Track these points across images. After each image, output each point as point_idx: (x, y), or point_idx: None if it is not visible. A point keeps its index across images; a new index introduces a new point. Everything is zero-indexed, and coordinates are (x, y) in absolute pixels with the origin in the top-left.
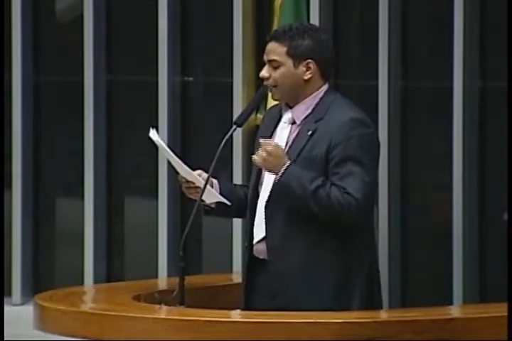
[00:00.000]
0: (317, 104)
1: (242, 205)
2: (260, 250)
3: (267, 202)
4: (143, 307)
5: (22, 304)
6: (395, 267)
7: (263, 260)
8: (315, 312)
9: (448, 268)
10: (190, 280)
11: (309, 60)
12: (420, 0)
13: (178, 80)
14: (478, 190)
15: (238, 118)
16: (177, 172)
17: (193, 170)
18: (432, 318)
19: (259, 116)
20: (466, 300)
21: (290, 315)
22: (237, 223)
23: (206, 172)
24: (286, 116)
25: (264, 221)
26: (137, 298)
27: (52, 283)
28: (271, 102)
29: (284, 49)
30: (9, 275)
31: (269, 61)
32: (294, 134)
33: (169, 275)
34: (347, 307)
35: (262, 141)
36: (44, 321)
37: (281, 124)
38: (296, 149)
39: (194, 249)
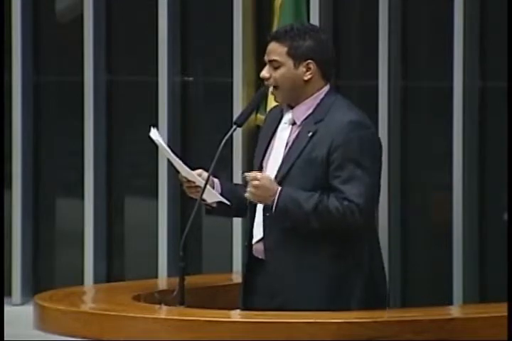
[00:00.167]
0: (318, 105)
1: (242, 205)
2: (259, 250)
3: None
4: (143, 307)
5: (22, 304)
6: (395, 267)
7: (262, 260)
8: (315, 312)
9: (448, 268)
10: (190, 280)
11: (309, 61)
12: (420, 0)
13: (178, 80)
14: (478, 190)
15: (238, 118)
16: (178, 172)
17: (194, 169)
18: (431, 318)
19: (259, 116)
20: (466, 300)
21: (290, 315)
22: (237, 223)
23: (207, 171)
24: (287, 117)
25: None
26: (137, 298)
27: (52, 283)
28: (271, 102)
29: (285, 49)
30: (9, 275)
31: (270, 61)
32: (294, 135)
33: (169, 275)
34: (345, 309)
35: (247, 176)
36: (44, 321)
37: (281, 125)
38: (296, 151)
39: (194, 249)
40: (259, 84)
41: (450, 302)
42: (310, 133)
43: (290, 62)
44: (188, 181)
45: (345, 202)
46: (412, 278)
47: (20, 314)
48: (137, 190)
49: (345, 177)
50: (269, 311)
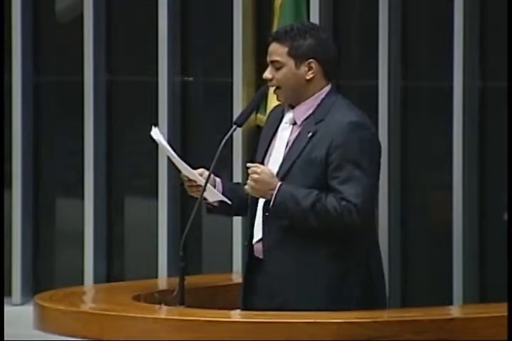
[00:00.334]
0: (318, 105)
1: (243, 204)
2: (259, 250)
3: (265, 202)
4: (143, 307)
5: (22, 304)
6: (395, 267)
7: (262, 260)
8: (315, 312)
9: (448, 268)
10: (190, 280)
11: (311, 60)
12: (420, 0)
13: (178, 80)
14: (478, 190)
15: (238, 118)
16: (179, 171)
17: (194, 169)
18: (431, 318)
19: (259, 116)
20: (466, 300)
21: (290, 315)
22: (237, 223)
23: (208, 170)
24: (288, 117)
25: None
26: (137, 298)
27: (52, 283)
28: (271, 102)
29: (286, 49)
30: (9, 275)
31: (272, 62)
32: (295, 135)
33: (169, 275)
34: (343, 309)
35: (248, 168)
36: (44, 321)
37: (282, 125)
38: (296, 151)
39: (194, 249)
40: (259, 84)
41: (450, 302)
42: (310, 134)
43: (292, 62)
44: (189, 180)
45: (343, 202)
46: (412, 278)
47: (20, 314)
48: (137, 190)
49: (344, 177)
50: (269, 311)
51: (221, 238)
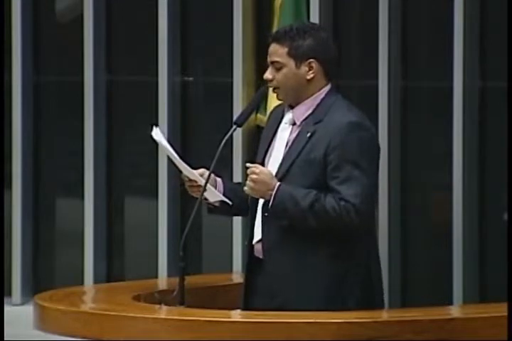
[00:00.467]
0: (318, 106)
1: (244, 204)
2: (259, 250)
3: (265, 202)
4: (143, 307)
5: (22, 304)
6: (395, 267)
7: (262, 260)
8: (315, 312)
9: (448, 268)
10: (190, 280)
11: (311, 60)
12: (420, 0)
13: (178, 80)
14: (478, 190)
15: (238, 118)
16: (180, 171)
17: (194, 169)
18: (432, 318)
19: (259, 116)
20: (466, 300)
21: (290, 315)
22: (237, 223)
23: (209, 170)
24: (287, 117)
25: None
26: (137, 298)
27: (52, 283)
28: (271, 102)
29: (286, 50)
30: (9, 275)
31: (272, 63)
32: (294, 135)
33: (169, 275)
34: (342, 309)
35: (247, 169)
36: (44, 321)
37: (282, 125)
38: (295, 151)
39: (194, 249)
40: (259, 84)
41: (450, 302)
42: (309, 134)
43: (292, 63)
44: (190, 180)
45: (342, 202)
46: (412, 278)
47: (20, 314)
48: (137, 190)
49: (343, 177)
50: (269, 311)
51: (221, 238)
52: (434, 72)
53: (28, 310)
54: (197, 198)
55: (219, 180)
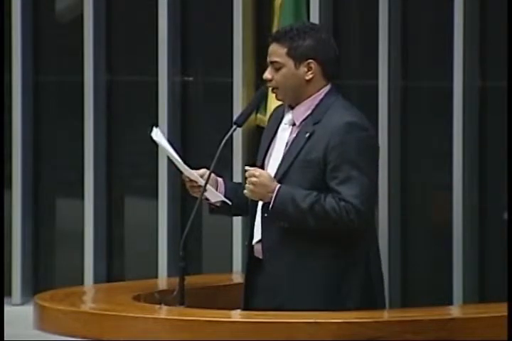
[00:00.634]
0: (317, 106)
1: (245, 204)
2: (259, 250)
3: (264, 203)
4: (143, 307)
5: (22, 304)
6: (394, 267)
7: (262, 260)
8: (315, 312)
9: (448, 268)
10: (190, 280)
11: (310, 60)
12: (420, 0)
13: (178, 80)
14: (478, 190)
15: (238, 118)
16: (180, 172)
17: (196, 169)
18: (432, 318)
19: (259, 116)
20: (466, 300)
21: (290, 315)
22: (237, 223)
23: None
24: (287, 118)
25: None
26: (137, 298)
27: (52, 283)
28: (271, 102)
29: (285, 50)
30: (9, 275)
31: (271, 63)
32: (293, 136)
33: (169, 275)
34: (342, 309)
35: (246, 171)
36: (44, 321)
37: (282, 125)
38: (294, 151)
39: (194, 249)
40: (259, 84)
41: (450, 303)
42: (307, 134)
43: (291, 63)
44: (191, 181)
45: (342, 203)
46: (412, 278)
47: (20, 314)
48: (137, 190)
49: (342, 178)
50: (269, 311)
51: (221, 238)
52: (434, 72)
53: (28, 310)
54: (197, 198)
55: (220, 180)
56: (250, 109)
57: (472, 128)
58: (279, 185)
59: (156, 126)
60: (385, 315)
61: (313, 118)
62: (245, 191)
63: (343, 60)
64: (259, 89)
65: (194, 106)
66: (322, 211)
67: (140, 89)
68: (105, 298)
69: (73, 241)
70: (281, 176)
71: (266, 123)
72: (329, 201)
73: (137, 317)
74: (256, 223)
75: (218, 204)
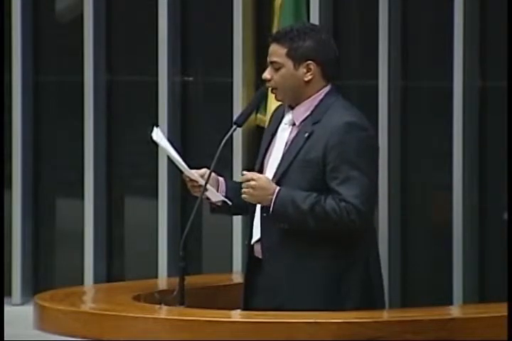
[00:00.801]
0: (316, 106)
1: (246, 203)
2: (258, 250)
3: None
4: (143, 307)
5: (22, 304)
6: (394, 267)
7: (261, 260)
8: (315, 312)
9: (448, 268)
10: (190, 280)
11: (309, 62)
12: (420, 0)
13: (178, 80)
14: (478, 190)
15: (238, 118)
16: (181, 171)
17: (197, 169)
18: (432, 318)
19: (259, 116)
20: (466, 300)
21: (290, 315)
22: (237, 222)
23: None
24: (287, 118)
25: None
26: (137, 298)
27: (52, 283)
28: (271, 102)
29: (285, 50)
30: (9, 275)
31: (271, 63)
32: (293, 135)
33: (169, 275)
34: (342, 309)
35: (243, 176)
36: (44, 321)
37: (282, 125)
38: (294, 151)
39: (194, 248)
40: (259, 84)
41: (450, 302)
42: (306, 134)
43: (290, 64)
44: (191, 180)
45: (343, 203)
46: (412, 278)
47: (20, 314)
48: (137, 190)
49: (342, 178)
50: (269, 311)
51: (221, 238)
52: (434, 72)
53: (28, 310)
54: (198, 197)
55: (221, 179)
56: (250, 109)
57: (472, 128)
58: (278, 188)
59: (157, 125)
60: (385, 315)
61: (313, 119)
62: (244, 195)
63: (343, 60)
64: (259, 89)
65: (194, 106)
66: (322, 212)
67: (140, 89)
68: (105, 298)
69: (73, 241)
70: (281, 176)
71: (266, 123)
72: (329, 202)
73: (137, 317)
74: (255, 222)
75: (219, 204)
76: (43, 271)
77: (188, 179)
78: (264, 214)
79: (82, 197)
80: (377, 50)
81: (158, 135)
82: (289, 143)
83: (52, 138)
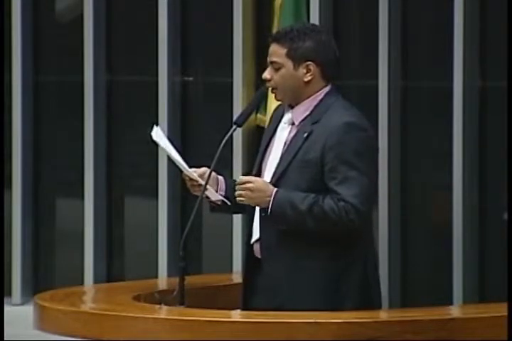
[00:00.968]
0: (316, 106)
1: None
2: (257, 249)
3: None
4: (143, 307)
5: (22, 304)
6: (394, 267)
7: (260, 259)
8: (315, 312)
9: (448, 268)
10: (190, 280)
11: (309, 62)
12: (420, 0)
13: (178, 80)
14: (478, 190)
15: (238, 118)
16: (181, 171)
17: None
18: (432, 318)
19: (259, 116)
20: (466, 300)
21: (290, 315)
22: (237, 222)
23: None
24: (287, 117)
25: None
26: (137, 298)
27: (52, 283)
28: (271, 102)
29: (284, 51)
30: (9, 275)
31: (271, 63)
32: (292, 135)
33: (169, 275)
34: (340, 308)
35: (238, 181)
36: (44, 321)
37: (281, 125)
38: (292, 151)
39: (194, 248)
40: (259, 84)
41: (450, 302)
42: (305, 134)
43: (290, 64)
44: (191, 180)
45: (341, 203)
46: (412, 278)
47: (20, 314)
48: (137, 190)
49: (340, 178)
50: (269, 311)
51: (221, 238)
52: (434, 72)
53: (28, 310)
54: (197, 197)
55: (221, 178)
56: (250, 109)
57: (472, 128)
58: (275, 189)
59: (157, 125)
60: (385, 315)
61: (312, 118)
62: (241, 198)
63: (343, 60)
64: (259, 89)
65: (194, 106)
66: (321, 212)
67: (140, 89)
68: (105, 298)
69: (73, 241)
70: (280, 176)
71: (266, 123)
72: (328, 202)
73: (137, 317)
74: (254, 222)
75: (219, 203)
76: (43, 271)
77: (187, 178)
78: (263, 214)
79: (82, 197)
80: (377, 50)
81: (158, 134)
82: (287, 142)
83: (52, 138)
